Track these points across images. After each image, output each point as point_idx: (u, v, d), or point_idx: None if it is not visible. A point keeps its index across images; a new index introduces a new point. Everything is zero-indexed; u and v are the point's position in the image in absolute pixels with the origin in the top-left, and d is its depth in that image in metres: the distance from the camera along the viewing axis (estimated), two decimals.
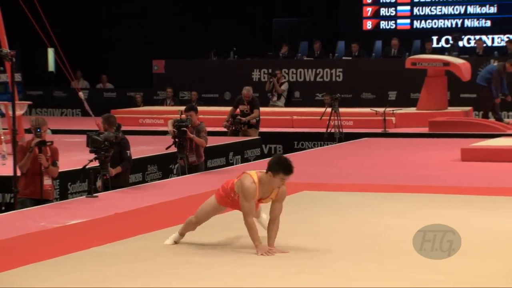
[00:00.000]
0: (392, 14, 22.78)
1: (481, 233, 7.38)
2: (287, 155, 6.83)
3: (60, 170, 9.71)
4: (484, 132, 15.93)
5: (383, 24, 22.86)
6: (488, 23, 22.12)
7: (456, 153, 12.91)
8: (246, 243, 6.69)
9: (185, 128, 11.21)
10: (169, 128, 11.47)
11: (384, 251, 6.67)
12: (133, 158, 10.55)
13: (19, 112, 12.21)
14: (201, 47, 21.96)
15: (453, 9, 22.35)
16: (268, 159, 6.71)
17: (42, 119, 9.63)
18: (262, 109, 16.08)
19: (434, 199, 9.23)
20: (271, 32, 22.90)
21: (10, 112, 10.90)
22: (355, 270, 6.08)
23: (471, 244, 6.84)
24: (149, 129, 17.66)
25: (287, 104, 20.20)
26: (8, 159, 11.09)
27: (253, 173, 6.54)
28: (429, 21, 22.56)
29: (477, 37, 21.63)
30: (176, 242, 6.81)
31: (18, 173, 9.39)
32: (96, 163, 9.77)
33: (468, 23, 22.25)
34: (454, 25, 22.31)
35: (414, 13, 22.67)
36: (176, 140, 11.30)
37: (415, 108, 18.24)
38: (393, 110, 17.55)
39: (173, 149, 11.50)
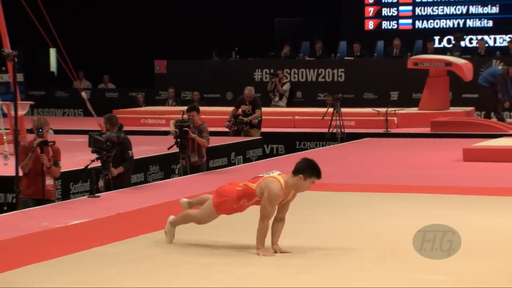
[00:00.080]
0: (394, 14, 22.77)
1: (482, 233, 7.38)
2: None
3: (62, 170, 9.72)
4: (486, 132, 15.92)
5: (385, 24, 22.85)
6: (490, 23, 22.10)
7: (458, 153, 12.90)
8: (247, 243, 6.69)
9: (187, 128, 11.21)
10: (171, 128, 11.48)
11: (385, 251, 6.68)
12: (135, 158, 10.56)
13: (21, 112, 12.22)
14: (203, 47, 21.96)
15: (455, 9, 22.34)
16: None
17: (44, 119, 9.64)
18: (264, 109, 16.08)
19: (435, 199, 9.23)
20: (273, 32, 22.90)
21: (12, 112, 10.90)
22: (356, 270, 6.09)
23: (472, 244, 6.84)
24: (151, 129, 17.66)
25: (289, 104, 20.20)
26: (10, 159, 11.10)
27: (278, 177, 6.48)
28: (431, 21, 22.56)
29: (479, 37, 21.62)
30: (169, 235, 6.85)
31: (20, 173, 9.41)
32: (98, 163, 9.78)
33: (470, 23, 22.24)
34: (456, 25, 22.30)
35: (416, 13, 22.66)
36: (178, 140, 11.30)
37: (417, 108, 18.23)
38: (395, 110, 17.54)
39: (175, 149, 11.50)
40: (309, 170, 6.50)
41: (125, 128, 10.54)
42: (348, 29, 22.95)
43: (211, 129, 12.32)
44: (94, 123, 12.08)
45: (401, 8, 22.73)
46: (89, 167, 9.75)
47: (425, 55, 19.14)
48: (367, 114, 17.73)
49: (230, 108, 16.13)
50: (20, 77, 19.39)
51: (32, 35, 14.38)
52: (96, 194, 9.60)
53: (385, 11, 22.83)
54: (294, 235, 7.05)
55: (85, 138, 9.97)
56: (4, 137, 12.05)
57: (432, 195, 9.51)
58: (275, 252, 6.46)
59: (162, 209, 8.94)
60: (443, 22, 22.47)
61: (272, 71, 20.47)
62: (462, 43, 21.43)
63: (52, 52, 24.43)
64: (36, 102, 18.96)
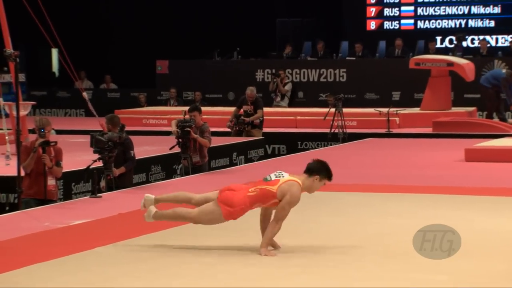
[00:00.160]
0: (396, 15, 22.77)
1: (484, 234, 7.37)
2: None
3: (64, 171, 9.73)
4: (488, 133, 15.91)
5: (387, 25, 22.84)
6: (492, 23, 22.09)
7: (460, 153, 12.90)
8: (248, 243, 6.69)
9: (188, 129, 11.21)
10: (173, 128, 11.48)
11: (387, 252, 6.67)
12: (136, 158, 10.56)
13: (23, 112, 12.23)
14: (205, 48, 21.96)
15: (457, 9, 22.33)
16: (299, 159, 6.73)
17: (46, 120, 9.64)
18: (265, 109, 16.08)
19: (437, 200, 9.23)
20: (274, 32, 22.90)
21: (14, 113, 10.90)
22: (358, 271, 6.09)
23: (474, 245, 6.84)
24: (153, 129, 17.66)
25: (290, 105, 20.20)
26: (12, 159, 11.11)
27: (297, 179, 6.49)
28: (433, 21, 22.55)
29: (481, 37, 21.61)
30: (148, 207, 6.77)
31: (22, 174, 9.41)
32: (100, 164, 9.78)
33: (472, 23, 22.23)
34: (458, 25, 22.30)
35: (418, 13, 22.65)
36: (180, 140, 11.30)
37: (419, 109, 18.23)
38: (396, 111, 17.53)
39: (177, 150, 11.51)
40: (324, 171, 6.56)
41: (127, 128, 10.54)
42: (350, 29, 22.95)
43: (212, 129, 12.32)
44: (96, 123, 12.08)
45: (403, 8, 22.72)
46: (91, 167, 9.75)
47: (427, 55, 19.14)
48: (369, 114, 17.72)
49: (232, 108, 16.13)
50: (22, 77, 19.40)
51: (34, 35, 14.39)
52: (98, 194, 9.60)
53: (387, 11, 22.82)
54: (295, 235, 7.05)
55: (87, 138, 9.97)
56: (6, 137, 12.05)
57: (433, 195, 9.50)
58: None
59: (163, 209, 8.93)
60: (445, 22, 22.46)
61: (274, 71, 20.47)
62: (464, 43, 21.42)
63: (54, 53, 24.44)
64: (38, 103, 18.97)
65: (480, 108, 18.49)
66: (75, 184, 10.62)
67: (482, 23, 22.15)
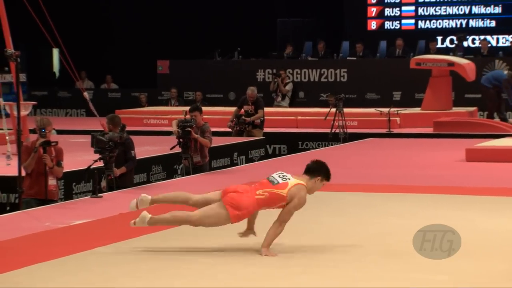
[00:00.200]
0: (396, 14, 22.76)
1: (485, 234, 7.37)
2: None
3: (64, 171, 9.73)
4: (489, 133, 15.91)
5: (388, 24, 22.84)
6: (493, 23, 22.09)
7: (460, 153, 12.90)
8: (249, 243, 6.69)
9: (189, 129, 11.22)
10: (174, 128, 11.48)
11: (387, 252, 6.67)
12: (137, 158, 10.56)
13: (24, 112, 12.23)
14: (206, 48, 21.96)
15: (457, 9, 22.33)
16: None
17: (47, 120, 9.64)
18: (266, 109, 16.08)
19: (438, 200, 9.22)
20: (275, 32, 22.90)
21: (15, 113, 10.91)
22: (359, 271, 6.08)
23: (475, 245, 6.84)
24: (154, 129, 17.67)
25: (291, 105, 20.20)
26: (13, 159, 11.11)
27: (303, 182, 6.50)
28: (434, 21, 22.54)
29: (482, 37, 21.60)
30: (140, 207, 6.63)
31: (23, 174, 9.41)
32: (100, 164, 9.78)
33: (472, 23, 22.23)
34: (458, 25, 22.29)
35: (419, 13, 22.65)
36: (181, 140, 11.30)
37: (419, 109, 18.23)
38: (397, 111, 17.53)
39: (178, 150, 11.51)
40: (325, 172, 6.57)
41: (128, 128, 10.54)
42: (351, 29, 22.94)
43: (213, 129, 12.32)
44: (97, 123, 12.08)
45: (403, 8, 22.72)
46: (91, 167, 9.75)
47: (428, 55, 19.14)
48: (370, 114, 17.73)
49: (233, 108, 16.13)
50: (22, 77, 19.40)
51: (35, 35, 14.38)
52: (99, 194, 9.61)
53: (387, 11, 22.82)
54: (296, 235, 7.05)
55: (87, 138, 9.97)
56: (7, 137, 12.06)
57: (434, 195, 9.50)
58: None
59: (164, 209, 8.93)
60: (445, 22, 22.46)
61: (274, 71, 20.48)
62: (465, 43, 21.41)
63: (55, 53, 24.45)
64: (39, 102, 18.99)
65: (481, 108, 18.49)
66: (76, 184, 10.63)
67: (483, 23, 22.15)
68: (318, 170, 6.54)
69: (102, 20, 24.22)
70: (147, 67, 22.47)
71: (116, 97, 22.30)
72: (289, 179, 6.49)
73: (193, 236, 7.12)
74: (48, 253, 6.67)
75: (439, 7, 22.47)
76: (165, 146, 12.55)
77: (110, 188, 9.96)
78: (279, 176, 6.53)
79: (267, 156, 15.31)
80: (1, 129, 12.78)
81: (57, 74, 24.92)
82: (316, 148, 16.22)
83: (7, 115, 12.83)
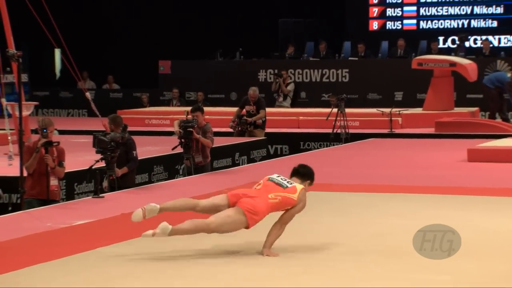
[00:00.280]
0: (398, 15, 22.76)
1: (487, 234, 7.37)
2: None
3: (66, 171, 9.73)
4: (491, 133, 15.91)
5: (389, 25, 22.84)
6: (495, 24, 22.08)
7: (462, 153, 12.89)
8: (250, 243, 6.69)
9: (191, 129, 11.22)
10: (175, 128, 11.48)
11: (389, 252, 6.68)
12: (139, 158, 10.56)
13: (25, 112, 12.24)
14: (207, 48, 21.97)
15: (459, 9, 22.32)
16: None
17: (49, 120, 9.65)
18: (268, 109, 16.08)
19: (440, 200, 9.22)
20: (277, 32, 22.90)
21: (17, 113, 10.92)
22: (360, 271, 6.09)
23: (477, 245, 6.84)
24: (155, 129, 17.67)
25: (293, 105, 20.20)
26: (14, 160, 11.11)
27: (303, 186, 6.60)
28: (436, 21, 22.54)
29: (484, 37, 21.59)
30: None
31: (25, 174, 9.42)
32: (102, 164, 9.78)
33: (474, 23, 22.22)
34: (460, 26, 22.28)
35: (421, 14, 22.65)
36: (182, 140, 11.31)
37: (421, 109, 18.22)
38: (399, 111, 17.53)
39: (179, 150, 11.51)
40: (313, 176, 6.73)
41: (130, 128, 10.54)
42: (353, 29, 22.94)
43: (215, 129, 12.33)
44: (99, 124, 12.08)
45: (405, 8, 22.72)
46: (93, 167, 9.75)
47: (430, 56, 19.13)
48: (372, 114, 17.72)
49: (234, 109, 16.13)
50: (24, 77, 19.40)
51: (36, 35, 14.39)
52: (101, 195, 9.61)
53: (389, 12, 22.81)
54: (297, 235, 7.05)
55: (89, 139, 9.97)
56: (9, 138, 12.06)
57: (436, 196, 9.50)
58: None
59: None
60: (447, 22, 22.45)
61: (276, 71, 20.48)
62: (467, 44, 21.40)
63: (57, 53, 24.46)
64: (41, 103, 19.00)
65: (482, 108, 18.48)
66: (77, 184, 10.63)
67: (485, 23, 22.14)
68: (308, 174, 6.66)
69: (104, 20, 24.23)
70: (148, 67, 22.48)
71: (118, 97, 22.30)
72: (293, 183, 6.57)
73: (194, 237, 7.11)
74: (49, 253, 6.68)
75: (441, 7, 22.46)
76: (166, 147, 12.55)
77: (112, 189, 9.97)
78: (282, 179, 6.57)
79: (268, 156, 15.31)
80: (3, 129, 12.79)
81: (58, 74, 24.93)
82: (317, 148, 16.22)
83: (9, 115, 12.83)
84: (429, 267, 6.12)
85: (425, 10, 22.62)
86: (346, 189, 10.00)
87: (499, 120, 17.64)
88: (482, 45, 21.03)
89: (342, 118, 15.79)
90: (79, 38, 22.01)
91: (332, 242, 7.03)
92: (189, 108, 12.18)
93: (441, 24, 22.48)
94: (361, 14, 22.92)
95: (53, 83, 23.96)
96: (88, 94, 13.44)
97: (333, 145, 15.64)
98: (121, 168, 10.03)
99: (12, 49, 11.20)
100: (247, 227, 6.43)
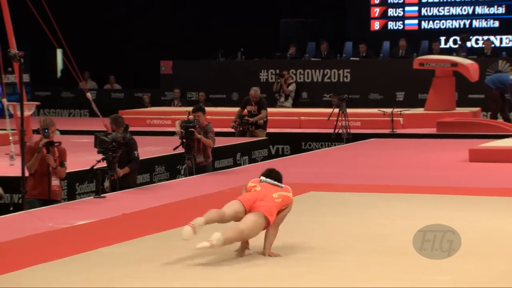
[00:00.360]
0: (400, 15, 22.75)
1: (489, 234, 7.37)
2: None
3: (68, 171, 9.74)
4: (492, 133, 15.90)
5: (391, 25, 22.83)
6: (496, 24, 22.07)
7: (464, 153, 12.89)
8: (251, 244, 6.68)
9: (192, 129, 11.22)
10: (177, 128, 11.49)
11: (390, 252, 6.68)
12: (140, 158, 10.57)
13: (27, 112, 12.24)
14: (209, 48, 21.97)
15: (461, 9, 22.31)
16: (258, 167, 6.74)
17: (50, 120, 9.66)
18: (269, 109, 16.08)
19: (441, 200, 9.22)
20: (278, 32, 22.91)
21: (19, 113, 10.92)
22: (362, 271, 6.09)
23: (478, 245, 6.84)
24: (157, 129, 17.67)
25: (294, 105, 20.20)
26: (16, 160, 11.13)
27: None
28: (437, 21, 22.53)
29: (485, 37, 21.58)
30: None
31: (26, 174, 9.42)
32: (103, 164, 9.79)
33: (476, 23, 22.21)
34: (462, 26, 22.27)
35: (422, 14, 22.64)
36: (184, 140, 11.31)
37: (423, 109, 18.21)
38: (400, 111, 17.52)
39: (181, 150, 11.51)
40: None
41: (131, 128, 10.55)
42: (354, 29, 22.94)
43: (216, 129, 12.32)
44: (100, 124, 12.09)
45: (407, 8, 22.71)
46: (95, 167, 9.76)
47: (431, 56, 19.12)
48: (373, 114, 17.71)
49: (236, 109, 16.13)
50: (26, 77, 19.41)
51: (38, 36, 14.40)
52: (102, 195, 9.61)
53: (391, 12, 22.81)
54: (298, 235, 7.05)
55: (91, 139, 9.98)
56: (10, 138, 12.07)
57: (438, 196, 9.50)
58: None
59: (168, 209, 8.96)
60: (449, 22, 22.44)
61: (277, 71, 20.47)
62: (468, 44, 21.40)
63: (59, 53, 24.48)
64: (42, 103, 18.97)
65: (484, 108, 18.47)
66: (79, 184, 10.64)
67: (487, 24, 22.13)
68: (280, 178, 6.74)
69: (105, 20, 24.24)
70: (150, 67, 22.48)
71: (119, 98, 22.31)
72: (282, 184, 6.68)
73: (195, 237, 7.12)
74: (51, 253, 6.69)
75: (442, 8, 22.45)
76: (168, 147, 12.55)
77: (113, 189, 9.97)
78: (272, 180, 6.65)
79: (270, 156, 15.31)
80: (5, 130, 12.80)
81: (59, 74, 24.94)
82: (319, 148, 16.22)
83: (11, 116, 12.84)
84: (430, 267, 6.12)
85: (426, 10, 22.61)
86: (347, 189, 10.00)
87: (500, 120, 17.64)
88: (483, 45, 21.01)
89: (343, 118, 15.79)
90: (81, 38, 22.02)
91: (333, 242, 7.03)
92: (190, 108, 12.18)
93: (443, 24, 22.48)
94: (362, 14, 22.92)
95: (54, 83, 23.96)
96: (89, 95, 13.44)
97: (335, 145, 15.63)
98: (123, 168, 10.03)
99: (13, 49, 11.21)
100: (265, 228, 6.52)
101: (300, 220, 7.66)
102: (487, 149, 13.00)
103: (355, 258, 6.46)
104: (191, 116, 11.56)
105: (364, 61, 20.73)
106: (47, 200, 9.30)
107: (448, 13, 22.41)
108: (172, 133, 14.13)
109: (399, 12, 22.75)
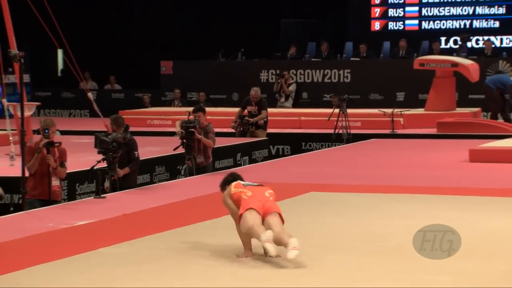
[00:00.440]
0: (400, 15, 22.75)
1: (489, 234, 7.37)
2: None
3: (68, 171, 9.74)
4: (493, 133, 15.90)
5: (391, 25, 22.83)
6: (497, 24, 22.07)
7: (464, 154, 12.89)
8: (252, 244, 6.68)
9: (193, 129, 11.22)
10: (177, 129, 11.49)
11: (390, 252, 6.68)
12: (141, 159, 10.57)
13: (27, 113, 12.25)
14: (209, 48, 21.98)
15: (461, 9, 22.32)
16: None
17: (51, 120, 9.66)
18: (270, 110, 16.08)
19: (441, 200, 9.22)
20: (279, 33, 22.91)
21: (19, 113, 10.93)
22: (360, 271, 6.09)
23: (478, 245, 6.84)
24: (157, 130, 17.68)
25: (295, 105, 20.20)
26: (16, 160, 11.13)
27: None
28: (438, 22, 22.53)
29: (486, 37, 21.58)
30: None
31: (26, 174, 9.43)
32: (104, 164, 9.79)
33: (476, 23, 22.21)
34: (462, 26, 22.28)
35: (423, 14, 22.64)
36: (184, 141, 11.31)
37: (423, 109, 18.22)
38: (401, 111, 17.52)
39: (181, 150, 11.51)
40: None
41: (131, 129, 10.55)
42: (354, 30, 22.94)
43: (217, 130, 12.33)
44: (100, 124, 12.09)
45: (407, 9, 22.71)
46: (95, 168, 9.76)
47: (432, 56, 19.12)
48: (373, 115, 17.72)
49: (236, 109, 16.13)
50: (26, 78, 19.41)
51: (39, 36, 14.41)
52: (102, 195, 9.61)
53: (391, 12, 22.81)
54: (298, 236, 7.03)
55: (91, 139, 9.98)
56: (11, 138, 12.07)
57: (438, 196, 9.50)
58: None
59: (168, 210, 8.96)
60: (449, 22, 22.44)
61: (278, 72, 20.48)
62: (469, 44, 21.40)
63: (59, 53, 24.49)
64: (43, 103, 18.98)
65: (484, 108, 18.47)
66: (79, 184, 10.64)
67: (487, 24, 22.13)
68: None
69: (105, 21, 24.25)
70: (150, 67, 22.48)
71: (120, 98, 22.31)
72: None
73: (195, 237, 7.13)
74: (51, 253, 6.69)
75: (442, 8, 22.45)
76: (168, 147, 12.56)
77: (114, 189, 9.97)
78: (249, 182, 6.69)
79: (270, 156, 15.31)
80: (5, 130, 12.80)
81: (59, 74, 24.95)
82: (319, 148, 16.22)
83: (11, 116, 12.85)
84: (430, 267, 6.12)
85: (427, 11, 22.61)
86: (347, 190, 10.00)
87: (501, 120, 17.63)
88: (484, 46, 21.02)
89: (343, 119, 15.79)
90: (81, 38, 22.02)
91: (333, 242, 7.03)
92: (191, 109, 12.18)
93: (443, 25, 22.48)
94: (363, 14, 22.92)
95: (55, 84, 23.96)
96: (90, 95, 13.45)
97: (335, 145, 15.63)
98: (123, 168, 10.03)
99: (14, 50, 11.22)
100: None
101: (300, 220, 7.66)
102: (487, 150, 13.00)
103: (355, 258, 6.46)
104: (191, 117, 11.56)
105: (364, 61, 20.73)
106: (47, 200, 9.31)
107: (448, 13, 22.41)
108: (172, 134, 14.13)
109: (400, 12, 22.75)
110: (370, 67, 20.50)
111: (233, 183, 6.64)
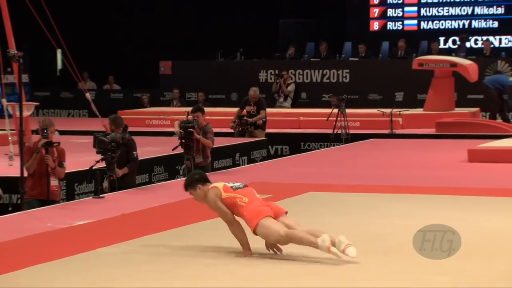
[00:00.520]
0: (399, 15, 22.76)
1: (488, 234, 7.37)
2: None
3: (66, 171, 9.73)
4: (491, 133, 15.91)
5: (390, 25, 22.84)
6: (496, 24, 22.08)
7: (463, 154, 12.89)
8: (251, 244, 6.68)
9: (191, 129, 11.22)
10: (176, 129, 11.48)
11: (389, 252, 6.67)
12: (139, 159, 10.56)
13: (26, 113, 12.24)
14: (208, 48, 21.98)
15: (460, 10, 22.32)
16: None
17: (49, 120, 9.65)
18: (268, 110, 16.08)
19: (440, 200, 9.22)
20: (278, 33, 22.91)
21: (18, 113, 10.92)
22: (360, 271, 6.08)
23: (478, 245, 6.83)
24: (156, 130, 17.67)
25: (293, 105, 20.20)
26: (15, 160, 11.12)
27: None
28: (436, 22, 22.53)
29: (485, 38, 21.59)
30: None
31: (25, 174, 9.42)
32: (102, 164, 9.79)
33: (475, 24, 22.22)
34: (461, 26, 22.28)
35: (421, 14, 22.65)
36: (183, 141, 11.30)
37: (422, 109, 18.22)
38: (400, 111, 17.53)
39: (180, 150, 11.50)
40: None
41: (130, 129, 10.54)
42: (353, 30, 22.94)
43: (215, 130, 12.32)
44: (99, 124, 12.08)
45: (406, 9, 22.72)
46: (93, 168, 9.76)
47: (430, 56, 19.13)
48: (372, 115, 17.72)
49: (235, 109, 16.13)
50: (25, 78, 19.41)
51: (37, 36, 14.40)
52: (101, 195, 9.61)
53: (390, 12, 22.81)
54: None
55: (90, 139, 9.98)
56: (9, 138, 12.07)
57: (436, 196, 9.50)
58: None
59: (166, 210, 8.96)
60: (448, 23, 22.45)
61: (277, 72, 20.48)
62: (467, 44, 21.40)
63: (58, 53, 24.48)
64: (41, 103, 18.99)
65: (483, 108, 18.48)
66: (78, 184, 10.63)
67: (486, 24, 22.14)
68: None
69: (104, 20, 24.24)
70: (149, 67, 22.48)
71: (118, 98, 22.31)
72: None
73: (195, 237, 7.12)
74: (50, 253, 6.68)
75: (441, 8, 22.46)
76: (167, 147, 12.55)
77: (112, 189, 9.97)
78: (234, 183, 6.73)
79: (269, 156, 15.31)
80: (4, 130, 12.79)
81: (58, 73, 24.94)
82: (318, 148, 16.22)
83: (10, 116, 12.84)
84: (430, 267, 6.12)
85: (426, 11, 22.62)
86: (346, 190, 10.00)
87: (499, 120, 17.64)
88: (483, 46, 21.02)
89: (342, 119, 15.79)
90: (80, 38, 22.02)
91: None
92: (189, 109, 12.17)
93: (442, 25, 22.48)
94: (362, 14, 22.92)
95: (53, 84, 23.95)
96: (88, 95, 13.44)
97: (334, 145, 15.64)
98: (122, 168, 10.03)
99: (13, 50, 11.20)
100: None
101: (299, 220, 7.64)
102: (486, 150, 13.00)
103: (355, 258, 6.45)
104: (190, 117, 11.55)
105: (363, 61, 20.73)
106: (46, 200, 9.30)
107: (447, 14, 22.42)
108: (171, 134, 14.12)
109: (399, 12, 22.76)
110: (369, 67, 20.50)
111: (220, 186, 6.60)
